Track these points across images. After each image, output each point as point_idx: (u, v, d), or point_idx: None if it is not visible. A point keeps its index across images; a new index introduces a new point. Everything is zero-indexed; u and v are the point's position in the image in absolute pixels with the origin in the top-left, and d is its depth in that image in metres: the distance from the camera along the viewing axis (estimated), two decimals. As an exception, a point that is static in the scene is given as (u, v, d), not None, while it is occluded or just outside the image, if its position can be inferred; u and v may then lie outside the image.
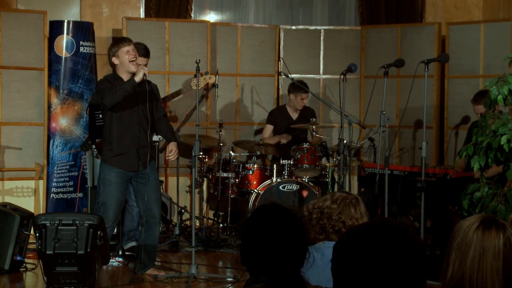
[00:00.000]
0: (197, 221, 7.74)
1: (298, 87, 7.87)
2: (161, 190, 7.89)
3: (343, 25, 9.31)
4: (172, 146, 6.21)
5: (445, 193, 6.59)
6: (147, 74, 5.84)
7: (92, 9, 8.70)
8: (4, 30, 7.70)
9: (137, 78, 5.79)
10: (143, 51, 6.70)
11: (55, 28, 7.90)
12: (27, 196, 7.83)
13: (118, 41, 6.08)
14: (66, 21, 7.95)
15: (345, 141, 6.92)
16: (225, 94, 8.57)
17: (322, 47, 8.94)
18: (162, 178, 8.19)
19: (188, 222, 7.97)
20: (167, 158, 6.31)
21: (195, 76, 6.60)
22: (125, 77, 5.94)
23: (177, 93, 7.81)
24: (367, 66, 8.81)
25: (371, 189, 6.82)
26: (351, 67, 6.90)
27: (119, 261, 6.66)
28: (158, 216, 6.20)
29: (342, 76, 6.77)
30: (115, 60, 6.00)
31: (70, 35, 7.84)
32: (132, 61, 5.92)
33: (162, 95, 7.35)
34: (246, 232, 2.48)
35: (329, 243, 3.16)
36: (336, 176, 7.65)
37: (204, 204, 8.30)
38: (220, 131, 7.80)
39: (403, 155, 8.72)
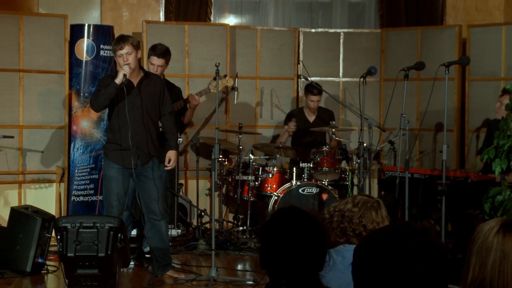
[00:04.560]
0: (217, 224, 7.75)
1: (307, 88, 7.93)
2: (181, 193, 7.93)
3: (363, 28, 9.28)
4: (171, 155, 6.14)
5: (466, 197, 6.56)
6: (127, 74, 5.81)
7: (112, 13, 8.75)
8: (25, 34, 7.75)
9: (117, 80, 5.80)
10: (159, 51, 6.70)
11: (76, 31, 7.94)
12: (48, 198, 7.87)
13: (115, 42, 5.99)
14: (86, 24, 7.99)
15: (365, 144, 6.91)
16: (244, 97, 8.58)
17: (341, 50, 8.92)
18: (182, 181, 8.22)
19: (207, 225, 7.98)
20: (165, 167, 6.24)
21: (214, 78, 6.61)
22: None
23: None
24: (387, 69, 8.78)
25: (391, 193, 6.80)
26: (371, 69, 6.89)
27: (139, 264, 6.69)
28: (159, 214, 6.11)
29: (362, 79, 6.76)
30: (115, 58, 6.03)
31: (91, 38, 7.88)
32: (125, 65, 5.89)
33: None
34: (265, 236, 2.48)
35: (350, 246, 3.15)
36: (356, 179, 7.64)
37: (224, 207, 8.31)
38: (240, 134, 7.81)
39: (423, 158, 8.68)
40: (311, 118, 8.12)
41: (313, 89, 7.89)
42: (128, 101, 5.91)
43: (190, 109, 7.18)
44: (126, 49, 5.86)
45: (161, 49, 6.73)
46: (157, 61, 6.66)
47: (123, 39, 5.95)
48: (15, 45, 7.71)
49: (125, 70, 5.80)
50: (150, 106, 6.05)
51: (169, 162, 6.14)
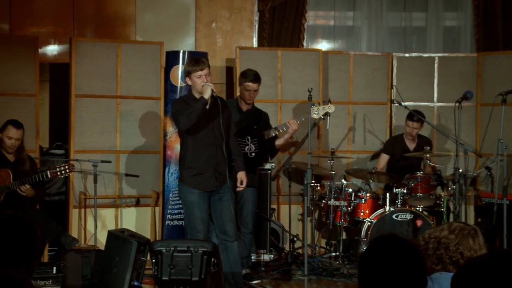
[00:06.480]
0: (309, 249, 7.71)
1: (409, 114, 7.82)
2: (274, 218, 7.95)
3: (458, 52, 9.13)
4: (242, 176, 6.20)
5: None
6: (214, 90, 5.87)
7: (206, 40, 8.90)
8: (123, 61, 7.96)
9: (206, 96, 5.84)
10: (253, 76, 6.81)
11: (171, 58, 8.11)
12: (144, 222, 8.01)
13: (193, 63, 6.03)
14: (181, 51, 8.15)
15: (460, 170, 6.78)
16: (337, 122, 8.54)
17: (436, 75, 8.80)
18: (274, 206, 8.23)
19: (300, 250, 7.96)
20: (237, 189, 6.25)
21: (313, 104, 6.61)
22: (199, 96, 5.98)
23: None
24: (484, 93, 8.60)
25: (489, 220, 6.65)
26: (466, 94, 6.77)
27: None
28: (233, 235, 6.12)
29: (457, 104, 6.65)
30: (188, 81, 6.07)
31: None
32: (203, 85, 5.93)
33: (273, 124, 7.40)
34: (365, 264, 2.45)
35: (446, 274, 3.08)
36: (451, 206, 7.48)
37: (316, 233, 8.28)
38: (332, 160, 7.78)
39: (522, 185, 8.42)
40: (411, 146, 8.04)
41: (412, 116, 7.79)
42: (203, 124, 5.98)
43: (288, 134, 7.08)
44: (206, 71, 5.98)
45: (254, 74, 6.84)
46: (253, 86, 6.79)
47: (202, 61, 6.05)
48: (113, 72, 7.93)
49: (210, 85, 5.88)
50: (222, 128, 6.05)
51: (241, 183, 6.19)
